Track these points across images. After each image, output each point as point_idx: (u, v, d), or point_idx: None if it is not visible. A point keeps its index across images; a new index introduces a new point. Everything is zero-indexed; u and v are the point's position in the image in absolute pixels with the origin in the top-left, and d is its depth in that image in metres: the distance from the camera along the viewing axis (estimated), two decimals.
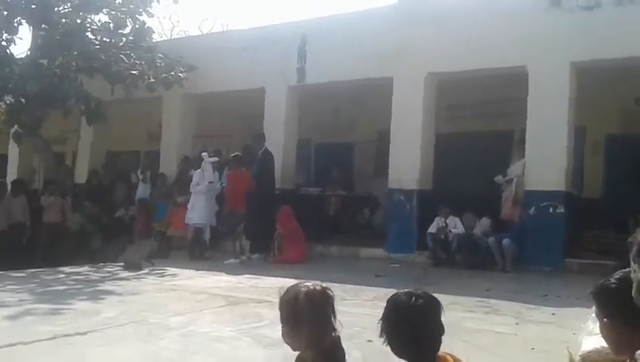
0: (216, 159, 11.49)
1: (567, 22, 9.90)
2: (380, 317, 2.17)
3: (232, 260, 10.45)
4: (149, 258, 10.07)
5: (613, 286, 2.29)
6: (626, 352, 2.23)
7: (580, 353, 3.86)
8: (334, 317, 2.26)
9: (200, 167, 11.36)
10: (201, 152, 11.80)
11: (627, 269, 2.26)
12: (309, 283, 2.29)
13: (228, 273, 9.03)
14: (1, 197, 11.71)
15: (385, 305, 2.20)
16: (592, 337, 3.69)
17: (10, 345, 4.82)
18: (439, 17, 10.96)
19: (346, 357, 4.36)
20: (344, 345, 4.77)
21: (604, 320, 2.70)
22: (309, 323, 2.20)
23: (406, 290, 2.18)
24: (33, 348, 4.81)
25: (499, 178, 10.56)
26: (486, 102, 12.64)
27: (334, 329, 2.26)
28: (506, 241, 9.55)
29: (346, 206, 13.66)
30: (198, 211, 11.10)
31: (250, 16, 41.71)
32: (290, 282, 7.47)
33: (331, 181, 13.71)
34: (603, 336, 2.88)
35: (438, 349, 2.12)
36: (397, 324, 2.13)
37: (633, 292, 2.25)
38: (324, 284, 2.30)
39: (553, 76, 9.92)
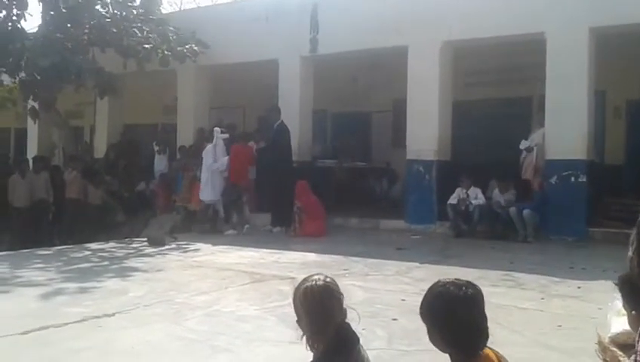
0: (226, 136, 11.45)
1: None
2: (422, 306, 2.14)
3: (230, 231, 10.68)
4: (172, 233, 10.17)
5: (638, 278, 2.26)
6: None
7: (609, 334, 3.87)
8: (340, 307, 2.36)
9: (213, 142, 11.35)
10: (214, 127, 11.77)
11: None
12: (315, 277, 2.40)
13: (250, 247, 9.08)
14: (24, 174, 11.79)
15: (426, 293, 2.15)
16: (621, 318, 3.69)
17: (42, 328, 4.90)
18: None
19: (371, 336, 4.44)
20: (368, 322, 4.85)
21: (632, 312, 2.68)
22: (307, 319, 2.33)
23: (450, 279, 2.14)
24: (64, 331, 4.88)
25: (524, 143, 10.45)
26: (504, 69, 12.50)
27: (342, 317, 2.36)
28: (526, 212, 9.48)
29: (364, 177, 13.65)
30: (213, 188, 11.16)
31: None
32: (310, 257, 7.59)
33: (348, 152, 13.65)
34: (631, 327, 2.87)
35: (486, 342, 2.09)
36: (446, 317, 2.06)
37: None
38: (328, 279, 2.40)
39: (572, 42, 9.74)
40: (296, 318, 2.39)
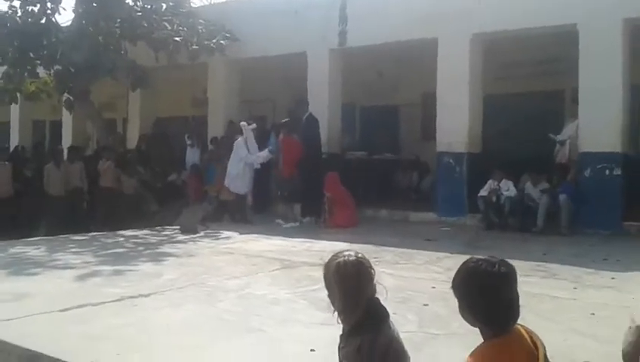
0: (254, 126, 11.52)
1: None
2: (455, 280, 2.16)
3: (291, 224, 10.68)
4: (204, 221, 10.31)
5: None
6: None
7: None
8: (372, 281, 2.38)
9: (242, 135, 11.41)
10: (240, 122, 11.85)
11: None
12: (346, 253, 2.42)
13: (281, 236, 9.17)
14: (59, 164, 12.05)
15: (459, 267, 2.16)
16: None
17: (81, 306, 5.08)
18: None
19: (402, 320, 4.48)
20: (399, 307, 4.89)
21: None
22: (340, 293, 2.35)
23: (482, 257, 2.15)
24: (102, 309, 5.05)
25: (553, 136, 10.36)
26: (536, 62, 12.35)
27: (373, 292, 2.39)
28: (563, 197, 9.32)
29: (394, 170, 13.65)
30: (244, 179, 11.28)
31: None
32: (341, 246, 7.62)
33: (377, 144, 13.64)
34: None
35: (517, 319, 2.10)
36: (478, 292, 2.07)
37: None
38: (359, 254, 2.42)
39: (605, 33, 9.55)
40: (327, 293, 2.41)
